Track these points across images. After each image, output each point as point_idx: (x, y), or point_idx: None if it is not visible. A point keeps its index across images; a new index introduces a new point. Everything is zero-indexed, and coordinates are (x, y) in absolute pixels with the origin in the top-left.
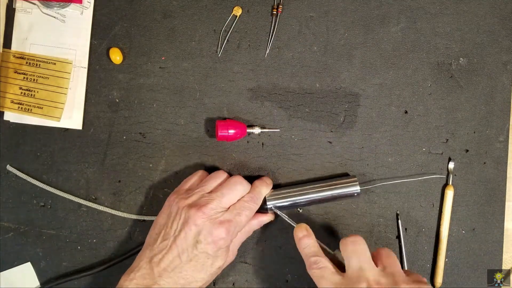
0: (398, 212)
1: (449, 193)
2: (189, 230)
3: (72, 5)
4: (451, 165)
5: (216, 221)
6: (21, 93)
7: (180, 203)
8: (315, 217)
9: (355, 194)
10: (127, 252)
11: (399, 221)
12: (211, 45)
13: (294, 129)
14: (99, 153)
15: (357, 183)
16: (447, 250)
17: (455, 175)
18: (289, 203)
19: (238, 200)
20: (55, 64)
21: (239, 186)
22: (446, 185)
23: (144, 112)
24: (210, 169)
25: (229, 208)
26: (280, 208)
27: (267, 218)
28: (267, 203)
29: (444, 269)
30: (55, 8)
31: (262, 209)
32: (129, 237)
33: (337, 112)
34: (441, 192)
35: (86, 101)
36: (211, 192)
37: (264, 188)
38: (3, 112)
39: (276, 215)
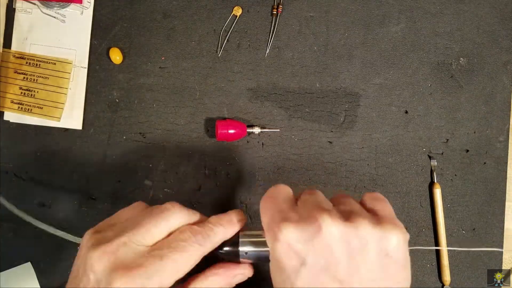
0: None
1: (437, 192)
2: (87, 280)
3: (72, 5)
4: (434, 163)
5: (119, 265)
6: (21, 93)
7: (84, 242)
8: None
9: None
10: None
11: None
12: (211, 45)
13: (294, 129)
14: (99, 153)
15: None
16: (448, 250)
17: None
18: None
19: (171, 234)
20: (55, 64)
21: (170, 215)
22: (432, 183)
23: (144, 112)
24: (210, 169)
25: (153, 246)
26: (261, 257)
27: (240, 272)
28: (240, 247)
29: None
30: (55, 8)
31: (231, 256)
32: None
33: (337, 112)
34: (429, 192)
35: (86, 101)
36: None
37: (224, 224)
38: (3, 112)
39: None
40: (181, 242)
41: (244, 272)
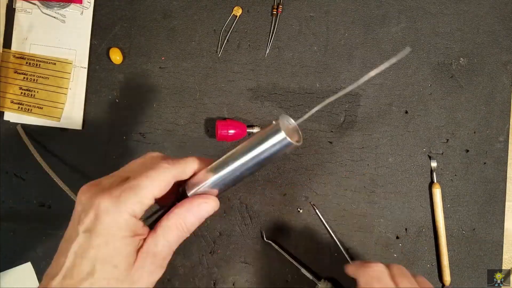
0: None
1: (437, 191)
2: (75, 213)
3: (72, 5)
4: (433, 164)
5: (101, 190)
6: (21, 93)
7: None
8: (315, 217)
9: (287, 144)
10: None
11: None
12: (211, 45)
13: None
14: (99, 153)
15: (280, 128)
16: (448, 250)
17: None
18: (213, 181)
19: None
20: (55, 64)
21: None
22: (432, 183)
23: (144, 112)
24: None
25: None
26: (229, 175)
27: (202, 200)
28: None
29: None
30: (55, 8)
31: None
32: None
33: (337, 112)
34: (429, 192)
35: (86, 101)
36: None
37: (188, 159)
38: (3, 112)
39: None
40: (153, 163)
41: (206, 200)
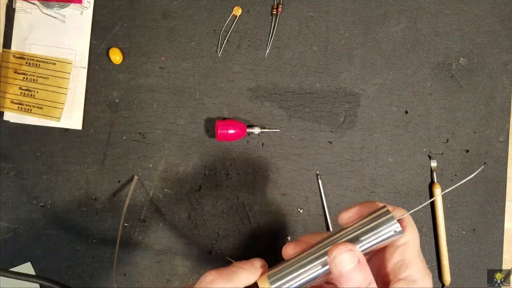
0: (318, 172)
1: (437, 192)
2: None
3: (72, 5)
4: (433, 164)
5: None
6: (21, 93)
7: None
8: (315, 217)
9: (396, 232)
10: (127, 252)
11: (319, 181)
12: (211, 45)
13: (294, 129)
14: (99, 153)
15: (392, 217)
16: (448, 250)
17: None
18: (303, 280)
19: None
20: (55, 64)
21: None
22: (432, 183)
23: (144, 112)
24: (210, 169)
25: None
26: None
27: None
28: (272, 285)
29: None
30: (55, 8)
31: None
32: (129, 237)
33: (337, 112)
34: (429, 192)
35: (86, 101)
36: None
37: (245, 267)
38: (3, 112)
39: None
40: (208, 284)
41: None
